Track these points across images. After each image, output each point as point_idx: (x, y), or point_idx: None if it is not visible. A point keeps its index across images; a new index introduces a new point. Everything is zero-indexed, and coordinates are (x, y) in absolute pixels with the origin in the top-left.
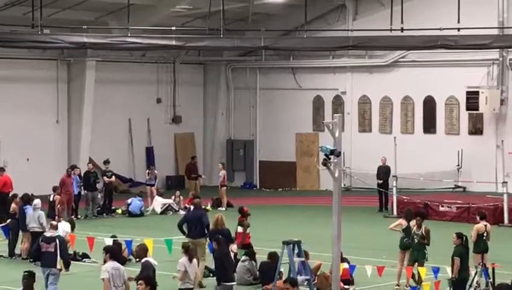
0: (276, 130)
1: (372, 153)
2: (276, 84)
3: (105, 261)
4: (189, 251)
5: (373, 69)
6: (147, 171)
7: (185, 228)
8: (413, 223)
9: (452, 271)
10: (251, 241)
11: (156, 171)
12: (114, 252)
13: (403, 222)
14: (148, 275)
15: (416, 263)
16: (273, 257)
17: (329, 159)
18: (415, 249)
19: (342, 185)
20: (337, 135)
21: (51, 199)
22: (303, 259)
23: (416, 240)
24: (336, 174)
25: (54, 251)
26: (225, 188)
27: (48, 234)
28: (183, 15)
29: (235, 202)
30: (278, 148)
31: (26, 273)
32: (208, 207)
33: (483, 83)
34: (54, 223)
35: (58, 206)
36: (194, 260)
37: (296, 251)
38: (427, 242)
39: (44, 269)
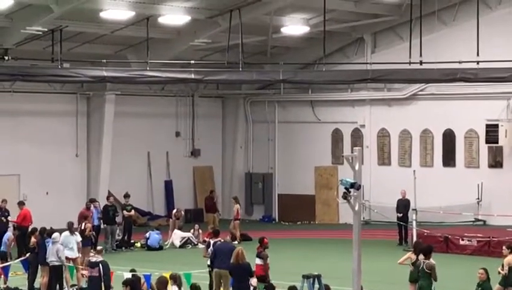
0: (294, 163)
1: (391, 186)
2: (294, 117)
3: None
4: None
5: (392, 102)
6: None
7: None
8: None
9: None
10: (269, 273)
11: (182, 212)
12: (134, 285)
13: (412, 256)
14: (129, 280)
15: None
16: None
17: (350, 192)
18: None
19: (361, 219)
20: (357, 167)
21: (82, 227)
22: None
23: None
24: (356, 208)
25: (99, 275)
26: (238, 221)
27: (93, 259)
28: (202, 49)
29: (254, 235)
30: (297, 182)
31: None
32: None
33: (503, 116)
34: (99, 248)
35: (92, 232)
36: None
37: (316, 285)
38: (435, 278)
39: None
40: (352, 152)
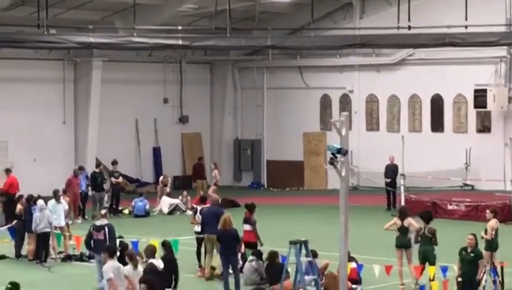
0: (283, 130)
1: (380, 152)
2: (283, 83)
3: (104, 262)
4: (133, 259)
5: (380, 67)
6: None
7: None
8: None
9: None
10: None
11: (169, 179)
12: (112, 252)
13: (397, 221)
14: (149, 279)
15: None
16: (274, 257)
17: (336, 158)
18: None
19: (350, 184)
20: (344, 133)
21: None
22: (310, 259)
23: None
24: (343, 173)
25: (104, 238)
26: (215, 187)
27: (98, 222)
28: (189, 14)
29: (242, 202)
30: (285, 148)
31: (9, 285)
32: None
33: (491, 81)
34: (103, 212)
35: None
36: (139, 268)
37: (303, 251)
38: (435, 242)
39: (98, 255)
40: (340, 118)
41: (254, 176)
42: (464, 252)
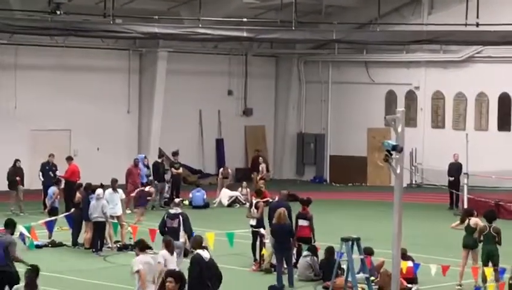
0: (347, 125)
1: (444, 150)
2: (348, 78)
3: (137, 255)
4: (170, 246)
5: (448, 64)
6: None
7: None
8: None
9: None
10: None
11: (230, 171)
12: (143, 247)
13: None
14: (177, 272)
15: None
16: (331, 253)
17: (391, 155)
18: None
19: (413, 181)
20: (399, 130)
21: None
22: (362, 257)
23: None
24: (398, 171)
25: (178, 226)
26: (263, 181)
27: (172, 211)
28: (255, 7)
29: (304, 196)
30: (349, 143)
31: (29, 267)
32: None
33: None
34: (177, 200)
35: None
36: (175, 254)
37: (355, 248)
38: (499, 242)
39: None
40: (406, 114)
41: (317, 171)
42: None
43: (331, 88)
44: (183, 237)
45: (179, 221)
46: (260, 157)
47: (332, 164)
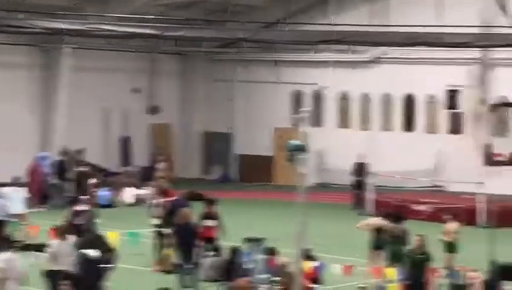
0: (254, 124)
1: (350, 150)
2: (255, 77)
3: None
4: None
5: (355, 64)
6: None
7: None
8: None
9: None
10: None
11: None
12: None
13: (372, 221)
14: (71, 274)
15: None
16: (235, 253)
17: (296, 155)
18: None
19: (319, 181)
20: (304, 130)
21: None
22: (265, 257)
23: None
24: (302, 171)
25: (84, 224)
26: (164, 180)
27: (79, 208)
28: (162, 4)
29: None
30: (256, 142)
31: None
32: None
33: (464, 82)
34: (84, 198)
35: None
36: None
37: (259, 249)
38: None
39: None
40: (313, 114)
41: (223, 170)
42: (412, 254)
43: (238, 87)
44: None
45: (86, 218)
46: (160, 156)
47: (239, 163)
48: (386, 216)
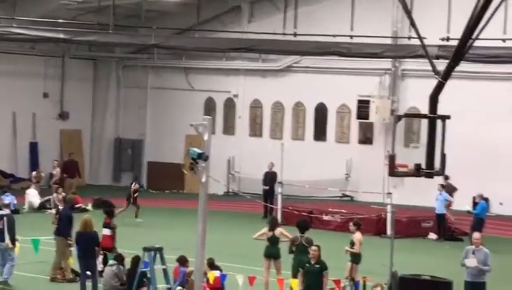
0: (165, 131)
1: (262, 158)
2: (167, 83)
3: None
4: None
5: (266, 73)
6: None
7: None
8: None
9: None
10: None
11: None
12: None
13: (267, 231)
14: None
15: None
16: (136, 262)
17: (197, 163)
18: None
19: (230, 190)
20: (206, 138)
21: None
22: (164, 267)
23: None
24: (203, 179)
25: (2, 227)
26: (57, 186)
27: None
28: (73, 8)
29: (119, 203)
30: (167, 149)
31: None
32: (89, 207)
33: (375, 92)
34: (6, 202)
35: None
36: None
37: (158, 258)
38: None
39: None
40: (224, 122)
41: (134, 177)
42: (308, 265)
43: (149, 93)
44: (7, 238)
45: (3, 222)
46: (55, 161)
47: (150, 171)
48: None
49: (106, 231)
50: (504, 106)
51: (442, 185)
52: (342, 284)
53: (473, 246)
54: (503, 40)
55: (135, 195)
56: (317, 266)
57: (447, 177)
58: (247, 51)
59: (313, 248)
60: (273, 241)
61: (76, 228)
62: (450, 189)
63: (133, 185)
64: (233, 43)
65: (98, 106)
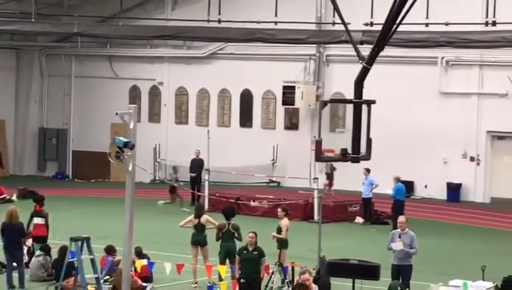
0: (91, 120)
1: (188, 146)
2: (92, 72)
3: None
4: None
5: (191, 60)
6: None
7: None
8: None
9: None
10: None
11: None
12: None
13: (193, 219)
14: None
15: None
16: (63, 252)
17: (123, 151)
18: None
19: (157, 178)
20: (131, 126)
21: None
22: (92, 256)
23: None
24: (130, 168)
25: None
26: None
27: None
28: None
29: (46, 193)
30: (93, 138)
31: None
32: (14, 198)
33: (300, 78)
34: None
35: None
36: None
37: (85, 248)
38: (240, 238)
39: None
40: (150, 110)
41: (59, 167)
42: (245, 251)
43: (74, 82)
44: None
45: None
46: None
47: (75, 160)
48: (223, 212)
49: (38, 220)
50: (429, 90)
51: (367, 170)
52: (270, 270)
53: (399, 230)
54: (426, 25)
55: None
56: (255, 252)
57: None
58: (171, 39)
59: (250, 234)
60: (200, 228)
61: (1, 219)
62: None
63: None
64: (157, 30)
65: (21, 96)
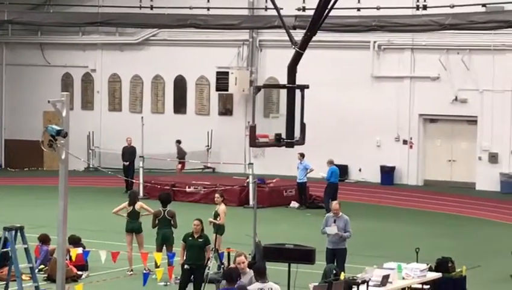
0: (23, 108)
1: (122, 133)
2: (23, 60)
3: None
4: None
5: (124, 47)
6: None
7: None
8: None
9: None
10: None
11: None
12: None
13: (127, 206)
14: None
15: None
16: None
17: (56, 140)
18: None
19: (91, 165)
20: (64, 114)
21: None
22: (26, 246)
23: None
24: (63, 156)
25: None
26: None
27: None
28: None
29: None
30: (25, 127)
31: None
32: None
33: (234, 64)
34: None
35: None
36: None
37: (19, 237)
38: (175, 225)
39: None
40: (83, 97)
41: None
42: (190, 238)
43: (5, 70)
44: None
45: None
46: None
47: (8, 148)
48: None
49: None
50: (361, 74)
51: (301, 154)
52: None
53: (333, 213)
54: (358, 9)
55: None
56: (201, 240)
57: (179, 142)
58: (103, 25)
59: (195, 222)
60: (134, 215)
61: None
62: (181, 154)
63: None
64: (89, 17)
65: None
